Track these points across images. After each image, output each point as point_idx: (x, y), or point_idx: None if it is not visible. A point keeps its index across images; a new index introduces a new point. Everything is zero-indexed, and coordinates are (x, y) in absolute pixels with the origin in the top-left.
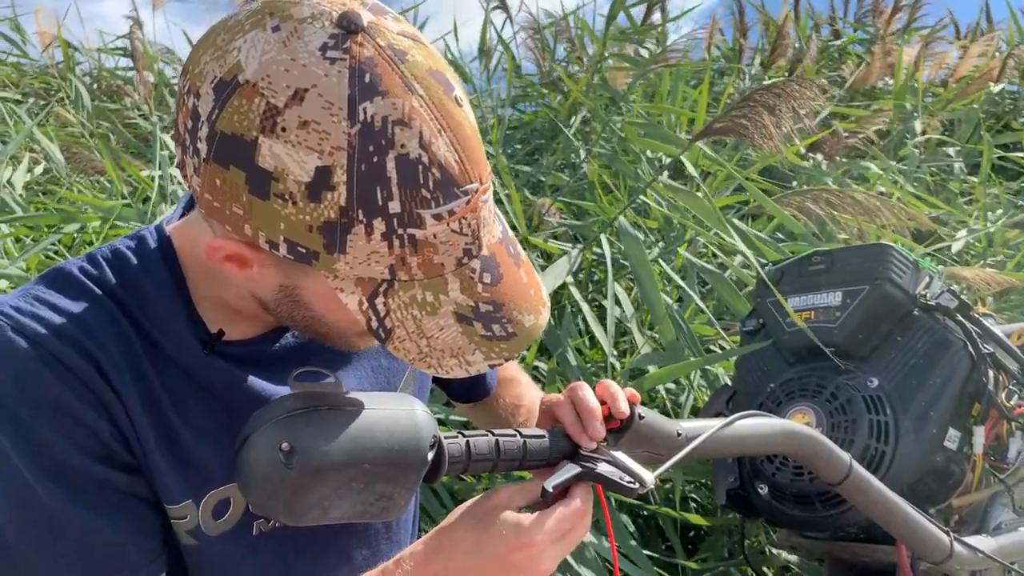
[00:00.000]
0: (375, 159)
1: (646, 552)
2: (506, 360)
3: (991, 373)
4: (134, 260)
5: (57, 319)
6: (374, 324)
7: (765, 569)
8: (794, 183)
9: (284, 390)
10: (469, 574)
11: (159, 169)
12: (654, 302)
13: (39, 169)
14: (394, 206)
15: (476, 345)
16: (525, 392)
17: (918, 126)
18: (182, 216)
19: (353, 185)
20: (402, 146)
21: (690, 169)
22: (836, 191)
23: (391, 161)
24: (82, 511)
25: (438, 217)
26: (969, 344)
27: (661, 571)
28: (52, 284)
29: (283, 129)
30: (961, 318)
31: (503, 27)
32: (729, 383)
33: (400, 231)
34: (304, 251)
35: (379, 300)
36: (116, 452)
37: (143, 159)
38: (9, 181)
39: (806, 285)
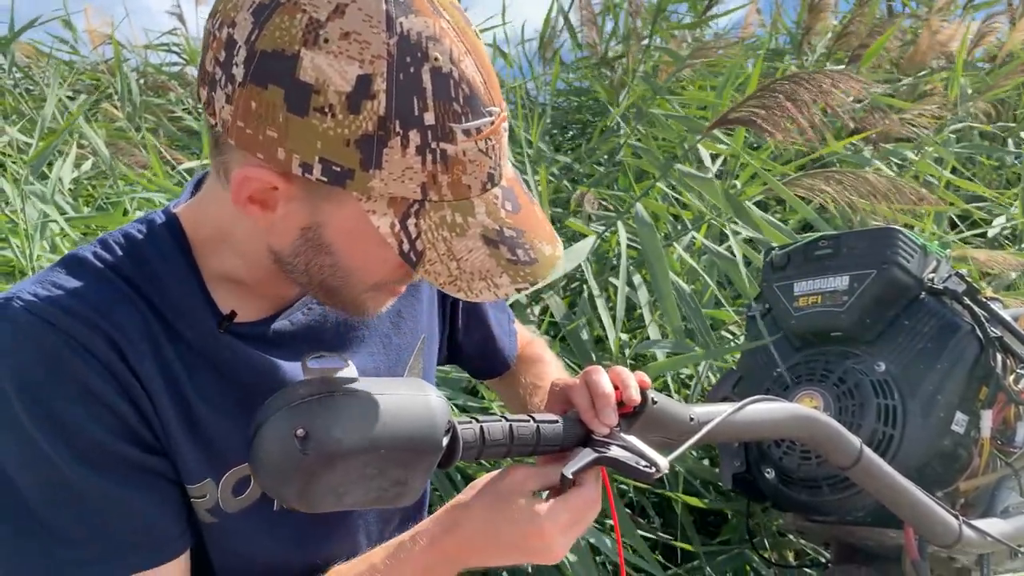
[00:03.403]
0: (412, 69)
1: (658, 536)
2: (531, 285)
3: (999, 357)
4: (145, 242)
5: (76, 304)
6: (406, 247)
7: (784, 552)
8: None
9: (297, 368)
10: (483, 556)
11: (204, 160)
12: (663, 288)
13: (87, 165)
14: (429, 118)
15: (503, 269)
16: (547, 372)
17: (970, 108)
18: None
19: (392, 94)
20: (436, 59)
21: (704, 157)
22: (849, 173)
23: (426, 73)
24: (112, 489)
25: (467, 133)
26: (977, 328)
27: (671, 554)
28: (68, 269)
29: (325, 40)
30: (969, 302)
31: (570, 7)
32: (735, 368)
33: (433, 145)
34: (339, 170)
35: (411, 221)
36: (140, 433)
37: (187, 152)
38: (58, 177)
39: (813, 269)
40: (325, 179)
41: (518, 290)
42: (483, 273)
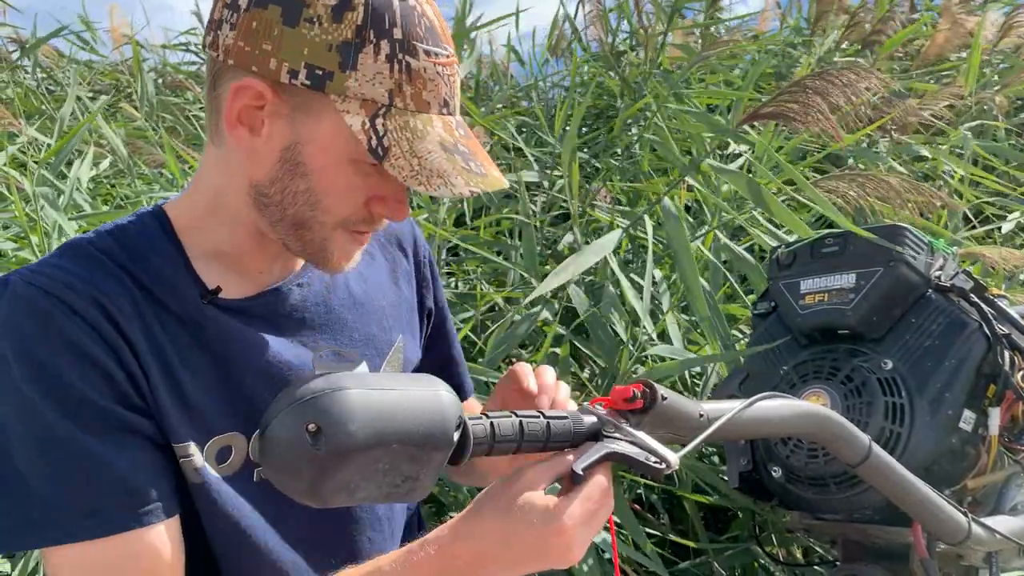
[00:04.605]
0: None
1: (665, 534)
2: (482, 191)
3: (1007, 354)
4: (133, 228)
5: (69, 277)
6: (374, 143)
7: (793, 549)
8: (850, 163)
9: (280, 342)
10: (497, 564)
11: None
12: (690, 282)
13: (105, 163)
14: (397, 32)
15: (458, 172)
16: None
17: (987, 102)
18: None
19: (369, 7)
20: None
21: (737, 149)
22: (870, 175)
23: (396, 0)
24: (99, 448)
25: (427, 53)
26: (984, 325)
27: (680, 551)
28: (63, 253)
29: None
30: (976, 299)
31: (576, 9)
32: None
33: (400, 56)
34: (321, 73)
35: (379, 121)
36: (128, 395)
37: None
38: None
39: (819, 267)
40: (308, 83)
41: (471, 193)
42: (440, 172)
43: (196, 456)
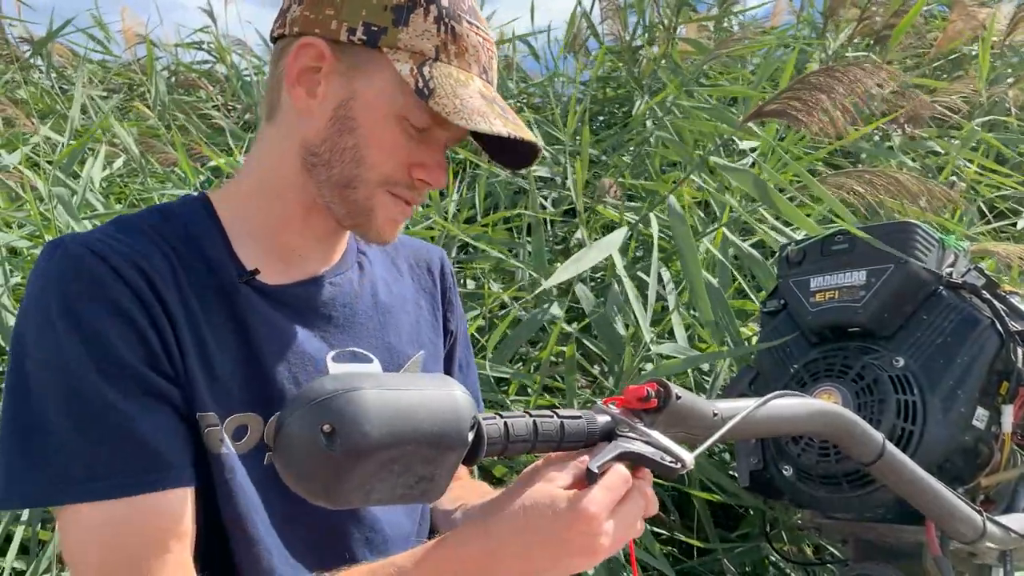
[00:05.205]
0: None
1: (673, 534)
2: (518, 136)
3: (1020, 351)
4: (178, 208)
5: (115, 243)
6: (420, 84)
7: (804, 547)
8: (863, 158)
9: (305, 333)
10: (516, 556)
11: (230, 157)
12: (695, 282)
13: (119, 163)
14: (444, 1)
15: (496, 116)
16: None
17: (1000, 95)
18: None
19: None
20: None
21: (740, 146)
22: (879, 172)
23: None
24: (125, 407)
25: (470, 23)
26: (997, 322)
27: (690, 548)
28: (111, 225)
29: None
30: (988, 296)
31: (592, 6)
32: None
33: (447, 20)
34: (376, 29)
35: (425, 69)
36: (160, 361)
37: (215, 148)
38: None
39: (829, 264)
40: (364, 39)
41: (509, 134)
42: (481, 112)
43: (220, 427)
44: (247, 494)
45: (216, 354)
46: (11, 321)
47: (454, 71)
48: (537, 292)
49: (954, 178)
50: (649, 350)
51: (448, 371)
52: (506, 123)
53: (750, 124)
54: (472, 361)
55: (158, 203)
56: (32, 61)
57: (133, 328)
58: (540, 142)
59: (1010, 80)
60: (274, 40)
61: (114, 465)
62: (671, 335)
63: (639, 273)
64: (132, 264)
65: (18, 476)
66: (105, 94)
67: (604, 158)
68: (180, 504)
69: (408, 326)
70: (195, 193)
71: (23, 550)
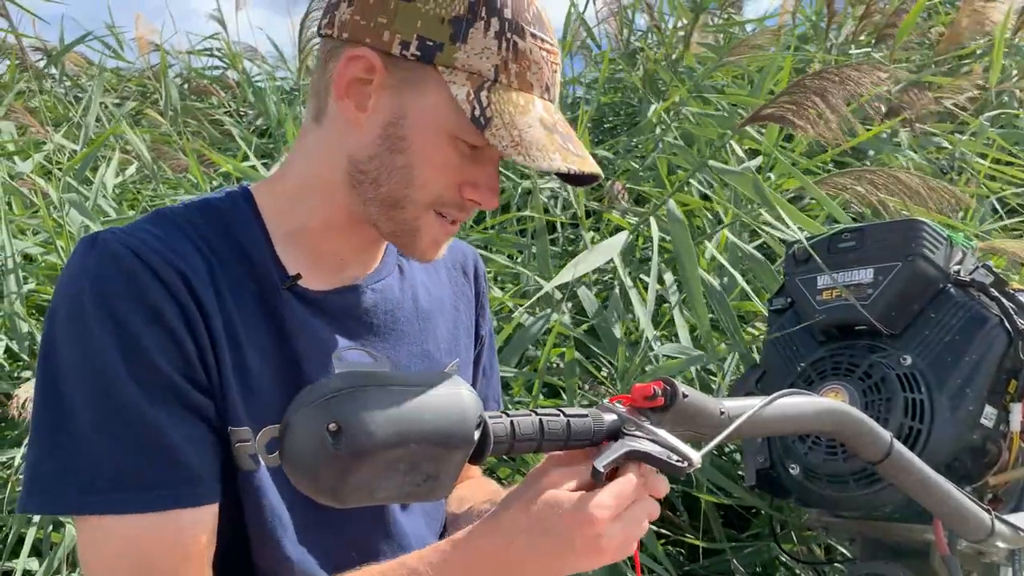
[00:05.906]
0: None
1: (681, 535)
2: (579, 170)
3: None
4: (220, 203)
5: (155, 242)
6: (476, 112)
7: (813, 547)
8: (871, 155)
9: (345, 343)
10: (523, 555)
11: (240, 163)
12: (692, 287)
13: (131, 169)
14: (507, 12)
15: (556, 149)
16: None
17: (1009, 91)
18: None
19: None
20: None
21: (738, 151)
22: (880, 171)
23: None
24: (156, 412)
25: (534, 36)
26: (1006, 320)
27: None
28: (151, 220)
29: None
30: (996, 293)
31: (585, 7)
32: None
33: (508, 35)
34: (431, 44)
35: (483, 94)
36: (195, 369)
37: (228, 155)
38: (101, 181)
39: (836, 262)
40: (418, 54)
41: (568, 169)
42: (539, 146)
43: (251, 442)
44: (276, 513)
45: (253, 362)
46: (25, 328)
47: (513, 95)
48: (538, 296)
49: (968, 176)
50: (652, 350)
51: (473, 375)
52: (566, 156)
53: (747, 128)
54: (496, 364)
55: (200, 196)
56: (46, 70)
57: (170, 335)
58: (599, 171)
59: (1015, 76)
60: (320, 36)
61: (143, 477)
62: (677, 337)
63: (644, 276)
64: (172, 266)
65: (43, 480)
66: (118, 101)
67: (613, 156)
68: (206, 520)
69: (446, 333)
70: (238, 189)
71: (35, 552)
